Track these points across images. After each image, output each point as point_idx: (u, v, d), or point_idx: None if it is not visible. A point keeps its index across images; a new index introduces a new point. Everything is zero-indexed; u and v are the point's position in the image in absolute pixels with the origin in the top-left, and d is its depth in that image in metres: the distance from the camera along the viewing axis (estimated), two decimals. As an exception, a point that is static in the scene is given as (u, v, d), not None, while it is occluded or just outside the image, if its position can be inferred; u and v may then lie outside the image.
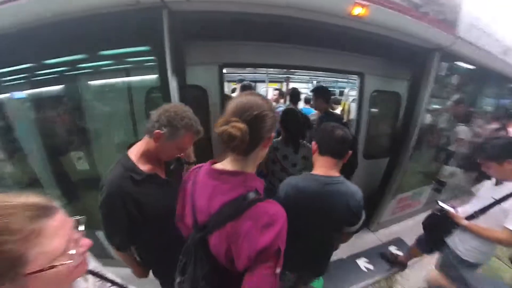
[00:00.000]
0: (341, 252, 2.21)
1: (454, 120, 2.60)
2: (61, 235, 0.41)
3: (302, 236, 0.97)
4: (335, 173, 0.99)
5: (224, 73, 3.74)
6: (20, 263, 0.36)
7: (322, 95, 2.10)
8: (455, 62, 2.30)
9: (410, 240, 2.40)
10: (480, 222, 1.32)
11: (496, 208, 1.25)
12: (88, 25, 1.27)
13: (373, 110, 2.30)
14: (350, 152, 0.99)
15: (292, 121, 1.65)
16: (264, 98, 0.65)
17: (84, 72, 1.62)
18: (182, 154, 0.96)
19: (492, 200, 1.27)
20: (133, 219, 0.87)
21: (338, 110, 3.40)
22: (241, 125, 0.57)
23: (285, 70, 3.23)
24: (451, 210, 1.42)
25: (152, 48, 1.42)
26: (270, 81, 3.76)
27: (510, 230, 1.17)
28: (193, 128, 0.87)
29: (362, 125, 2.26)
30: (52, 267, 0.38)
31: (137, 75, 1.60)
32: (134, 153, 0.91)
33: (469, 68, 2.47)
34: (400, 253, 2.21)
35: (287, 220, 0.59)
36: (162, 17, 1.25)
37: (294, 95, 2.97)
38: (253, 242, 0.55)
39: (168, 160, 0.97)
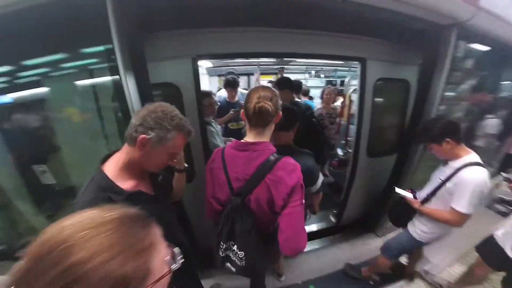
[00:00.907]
0: (347, 259, 2.02)
1: (475, 111, 2.30)
2: (162, 240, 0.41)
3: None
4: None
5: (212, 67, 3.45)
6: (147, 275, 0.35)
7: (286, 86, 2.07)
8: (473, 42, 1.99)
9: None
10: (432, 205, 1.35)
11: (443, 189, 1.28)
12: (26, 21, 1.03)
13: (377, 101, 2.01)
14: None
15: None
16: (271, 88, 0.93)
17: (43, 76, 1.40)
18: (174, 161, 0.85)
19: (439, 182, 1.29)
20: None
21: (339, 102, 3.10)
22: (270, 103, 0.85)
23: (277, 60, 2.93)
24: (408, 195, 1.45)
25: (100, 43, 1.18)
26: (263, 73, 3.47)
27: (455, 210, 1.18)
28: (185, 128, 0.77)
29: (364, 119, 1.98)
30: (169, 272, 0.39)
31: (100, 76, 1.36)
32: (111, 167, 0.75)
33: (487, 49, 2.15)
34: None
35: None
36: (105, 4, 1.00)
37: (296, 86, 2.69)
38: (287, 183, 0.83)
39: (157, 170, 0.82)
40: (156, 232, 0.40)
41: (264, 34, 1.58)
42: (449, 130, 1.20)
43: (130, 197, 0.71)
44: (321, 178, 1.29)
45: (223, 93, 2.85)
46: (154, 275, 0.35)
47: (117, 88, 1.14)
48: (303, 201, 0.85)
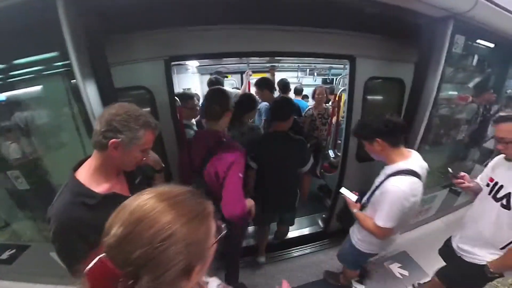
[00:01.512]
0: (332, 266, 1.94)
1: (482, 111, 2.16)
2: None
3: (274, 178, 1.56)
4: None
5: (200, 65, 3.34)
6: (210, 237, 0.42)
7: (264, 87, 2.02)
8: (473, 36, 1.84)
9: (417, 254, 2.08)
10: (368, 211, 1.22)
11: (374, 196, 1.17)
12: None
13: (368, 102, 1.89)
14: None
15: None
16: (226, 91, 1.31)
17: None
18: (147, 156, 0.86)
19: (374, 187, 1.20)
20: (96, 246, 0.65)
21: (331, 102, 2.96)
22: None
23: (267, 58, 2.81)
24: (352, 197, 1.31)
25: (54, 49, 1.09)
26: (254, 71, 3.35)
27: (376, 224, 1.09)
28: (152, 124, 0.78)
29: (354, 121, 1.87)
30: (219, 237, 0.46)
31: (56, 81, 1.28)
32: (83, 173, 0.77)
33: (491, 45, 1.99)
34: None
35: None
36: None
37: (284, 86, 2.58)
38: (227, 159, 1.10)
39: (133, 168, 0.84)
40: (210, 203, 0.45)
41: (243, 32, 1.48)
42: (381, 130, 1.08)
43: (104, 200, 0.72)
44: (311, 161, 1.59)
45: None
46: (212, 239, 0.43)
47: (76, 94, 1.06)
48: (241, 176, 1.11)
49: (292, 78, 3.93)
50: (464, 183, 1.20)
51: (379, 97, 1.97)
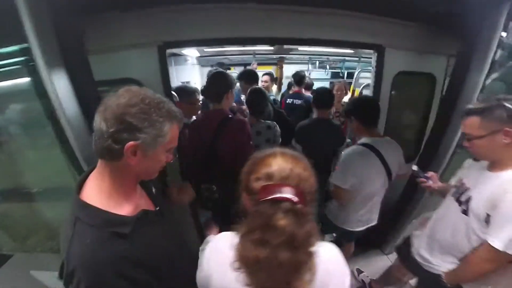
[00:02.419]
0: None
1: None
2: None
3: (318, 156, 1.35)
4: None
5: (201, 56, 3.04)
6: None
7: (241, 78, 1.97)
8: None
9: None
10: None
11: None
12: None
13: (395, 100, 1.64)
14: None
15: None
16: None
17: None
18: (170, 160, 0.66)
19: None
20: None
21: (346, 98, 2.71)
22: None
23: (276, 48, 2.52)
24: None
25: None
26: (260, 64, 3.08)
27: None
28: (177, 114, 0.59)
29: (379, 124, 1.62)
30: None
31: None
32: (95, 195, 0.57)
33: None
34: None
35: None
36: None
37: (299, 79, 2.39)
38: (240, 131, 1.25)
39: (156, 176, 0.65)
40: None
41: (253, 14, 1.22)
42: (356, 109, 1.26)
43: (138, 223, 0.57)
44: (346, 140, 1.83)
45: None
46: None
47: (40, 90, 0.83)
48: (252, 144, 1.31)
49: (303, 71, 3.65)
50: (425, 182, 1.10)
51: (408, 95, 1.71)
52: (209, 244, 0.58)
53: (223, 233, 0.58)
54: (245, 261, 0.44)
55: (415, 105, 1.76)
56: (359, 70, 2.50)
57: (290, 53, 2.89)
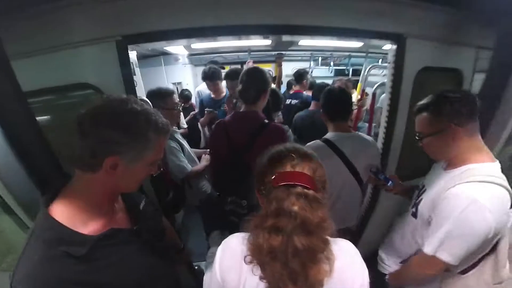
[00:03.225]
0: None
1: None
2: None
3: None
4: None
5: (190, 54, 2.76)
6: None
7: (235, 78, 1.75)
8: None
9: None
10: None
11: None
12: None
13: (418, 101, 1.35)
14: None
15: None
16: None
17: None
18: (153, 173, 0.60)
19: None
20: None
21: (353, 96, 2.42)
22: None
23: (273, 42, 2.23)
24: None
25: None
26: (257, 62, 2.81)
27: None
28: (165, 127, 0.55)
29: (397, 130, 1.34)
30: None
31: None
32: (62, 209, 0.50)
33: None
34: None
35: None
36: None
37: (297, 76, 2.25)
38: (280, 138, 1.06)
39: (136, 189, 0.61)
40: None
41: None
42: (322, 100, 1.22)
43: (99, 243, 0.51)
44: None
45: (204, 87, 2.26)
46: None
47: None
48: None
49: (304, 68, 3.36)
50: (384, 185, 1.03)
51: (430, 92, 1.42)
52: (220, 245, 0.55)
53: (234, 234, 0.55)
54: (259, 251, 0.44)
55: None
56: (370, 66, 2.19)
57: (290, 48, 2.60)
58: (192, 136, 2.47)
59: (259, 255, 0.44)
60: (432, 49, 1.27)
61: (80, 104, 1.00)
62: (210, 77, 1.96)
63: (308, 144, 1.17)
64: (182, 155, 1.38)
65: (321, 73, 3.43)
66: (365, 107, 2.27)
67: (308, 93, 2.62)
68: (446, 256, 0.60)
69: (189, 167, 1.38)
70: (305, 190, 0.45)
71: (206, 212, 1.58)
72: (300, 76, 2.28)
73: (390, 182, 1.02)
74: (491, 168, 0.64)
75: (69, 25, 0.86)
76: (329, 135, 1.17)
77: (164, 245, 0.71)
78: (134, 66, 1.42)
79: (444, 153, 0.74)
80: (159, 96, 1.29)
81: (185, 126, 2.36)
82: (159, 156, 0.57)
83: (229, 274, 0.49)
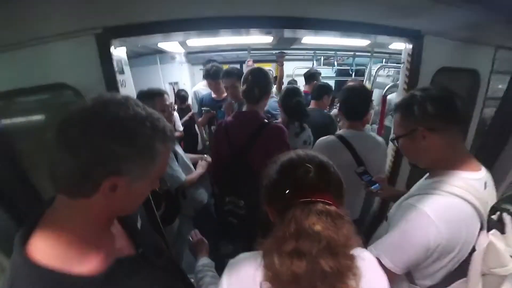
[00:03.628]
0: None
1: None
2: None
3: None
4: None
5: (188, 52, 2.64)
6: None
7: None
8: None
9: None
10: None
11: None
12: None
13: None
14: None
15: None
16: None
17: None
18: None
19: None
20: None
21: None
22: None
23: (274, 39, 2.11)
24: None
25: None
26: (257, 61, 2.70)
27: None
28: (172, 134, 0.43)
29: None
30: None
31: None
32: (48, 246, 0.38)
33: None
34: None
35: None
36: None
37: (308, 76, 2.18)
38: (280, 138, 1.10)
39: (136, 210, 0.49)
40: None
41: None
42: (341, 99, 1.23)
43: (109, 278, 0.40)
44: None
45: (201, 87, 2.14)
46: None
47: None
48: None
49: (306, 69, 3.23)
50: (369, 187, 0.97)
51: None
52: (227, 268, 0.49)
53: (242, 254, 0.50)
54: (280, 278, 0.38)
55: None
56: (379, 66, 2.08)
57: (292, 47, 2.48)
58: (188, 139, 2.35)
59: (279, 283, 0.39)
60: (450, 48, 1.16)
61: (57, 108, 0.88)
62: (212, 76, 1.85)
63: (321, 138, 1.20)
64: (176, 163, 1.26)
65: (324, 73, 3.32)
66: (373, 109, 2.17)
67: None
68: (387, 262, 0.58)
69: (183, 176, 1.26)
70: (327, 207, 0.41)
71: (201, 224, 1.48)
72: (311, 76, 2.16)
73: (375, 186, 0.93)
74: (465, 180, 0.58)
75: (39, 16, 0.74)
76: (342, 131, 1.19)
77: (167, 261, 0.61)
78: (123, 65, 1.29)
79: (417, 158, 0.68)
80: (147, 97, 1.16)
81: (181, 129, 2.24)
82: (164, 169, 0.47)
83: None
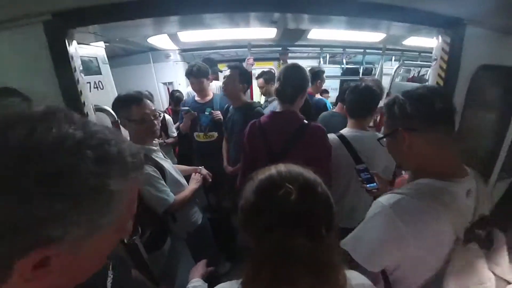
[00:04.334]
0: None
1: None
2: None
3: None
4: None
5: (182, 49, 2.48)
6: None
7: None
8: None
9: None
10: None
11: None
12: None
13: (473, 108, 1.03)
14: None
15: None
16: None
17: None
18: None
19: None
20: None
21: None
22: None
23: (277, 33, 1.89)
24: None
25: None
26: (258, 59, 2.50)
27: None
28: (137, 158, 0.31)
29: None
30: None
31: None
32: None
33: None
34: None
35: None
36: None
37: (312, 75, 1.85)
38: (323, 140, 1.02)
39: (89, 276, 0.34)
40: None
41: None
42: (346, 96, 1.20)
43: None
44: None
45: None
46: None
47: None
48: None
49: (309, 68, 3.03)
50: (364, 184, 0.92)
51: (489, 97, 1.10)
52: None
53: (220, 284, 0.47)
54: None
55: (498, 115, 1.15)
56: (399, 64, 1.85)
57: (296, 43, 2.27)
58: (184, 144, 2.15)
59: None
60: (493, 41, 0.96)
61: None
62: (195, 74, 1.63)
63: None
64: (163, 182, 1.06)
65: (330, 72, 3.11)
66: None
67: (319, 97, 2.32)
68: (356, 256, 0.60)
69: (171, 197, 1.06)
70: (310, 233, 0.37)
71: (195, 244, 1.30)
72: (314, 75, 1.92)
73: (371, 185, 0.88)
74: (442, 189, 0.56)
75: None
76: (344, 130, 1.16)
77: None
78: (100, 63, 1.11)
79: (401, 160, 0.69)
80: (121, 105, 0.96)
81: (175, 134, 2.04)
82: (132, 208, 0.34)
83: None
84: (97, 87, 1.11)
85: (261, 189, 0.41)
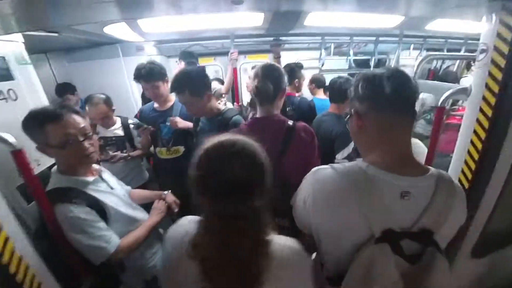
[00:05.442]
0: None
1: None
2: None
3: None
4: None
5: (157, 42, 2.35)
6: None
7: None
8: None
9: None
10: None
11: None
12: None
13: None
14: None
15: None
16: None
17: None
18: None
19: None
20: None
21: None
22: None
23: (261, 23, 1.62)
24: None
25: None
26: (249, 52, 2.24)
27: None
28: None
29: (498, 170, 0.79)
30: None
31: None
32: None
33: None
34: None
35: None
36: None
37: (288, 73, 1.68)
38: (313, 141, 1.10)
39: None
40: None
41: None
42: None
43: None
44: None
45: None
46: None
47: None
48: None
49: (312, 60, 2.74)
50: None
51: None
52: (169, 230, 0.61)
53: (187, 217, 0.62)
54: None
55: None
56: (425, 56, 1.55)
57: (291, 31, 1.99)
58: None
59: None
60: None
61: None
62: (145, 77, 1.38)
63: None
64: (101, 224, 0.83)
65: (334, 65, 2.84)
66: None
67: (300, 96, 2.09)
68: (293, 213, 0.74)
69: (114, 242, 0.83)
70: (249, 196, 0.51)
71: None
72: (290, 72, 1.73)
73: None
74: (378, 174, 0.57)
75: None
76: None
77: None
78: (10, 65, 0.85)
79: (354, 142, 0.75)
80: (32, 123, 0.73)
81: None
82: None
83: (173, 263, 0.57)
84: (6, 97, 0.85)
85: (205, 158, 0.51)
